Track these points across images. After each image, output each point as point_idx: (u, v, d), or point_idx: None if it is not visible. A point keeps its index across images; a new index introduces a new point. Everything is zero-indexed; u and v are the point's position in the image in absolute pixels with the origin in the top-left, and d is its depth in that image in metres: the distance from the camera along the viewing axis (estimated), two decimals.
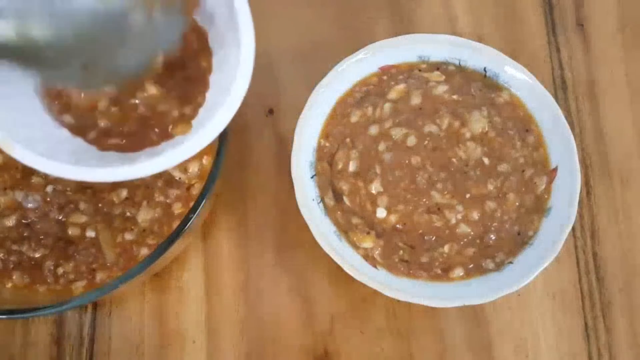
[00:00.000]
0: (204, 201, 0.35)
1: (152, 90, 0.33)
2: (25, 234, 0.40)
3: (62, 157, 0.32)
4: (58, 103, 0.33)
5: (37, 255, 0.39)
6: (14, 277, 0.39)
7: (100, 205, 0.40)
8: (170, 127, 0.34)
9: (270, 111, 0.47)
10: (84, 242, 0.40)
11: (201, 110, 0.34)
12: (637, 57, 0.49)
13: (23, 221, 0.40)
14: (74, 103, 0.33)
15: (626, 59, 0.49)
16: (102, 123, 0.34)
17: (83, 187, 0.40)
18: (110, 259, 0.39)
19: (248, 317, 0.43)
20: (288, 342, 0.42)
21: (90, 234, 0.40)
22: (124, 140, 0.34)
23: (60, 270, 0.39)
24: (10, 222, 0.40)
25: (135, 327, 0.43)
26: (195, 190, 0.40)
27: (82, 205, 0.40)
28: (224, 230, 0.45)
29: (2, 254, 0.39)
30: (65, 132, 0.34)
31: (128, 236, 0.40)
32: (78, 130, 0.34)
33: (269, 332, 0.43)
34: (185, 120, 0.34)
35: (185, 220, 0.34)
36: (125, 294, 0.43)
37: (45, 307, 0.33)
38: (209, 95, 0.35)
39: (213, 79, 0.35)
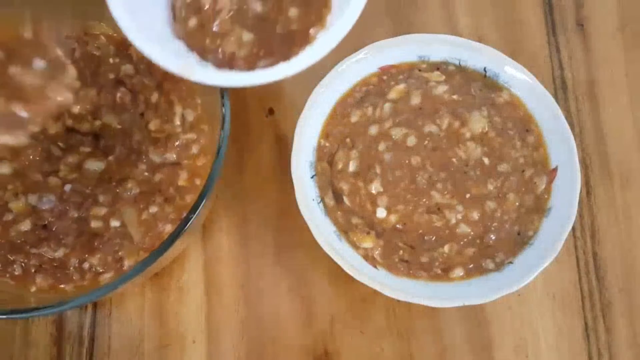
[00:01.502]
0: (204, 201, 0.35)
1: (293, 12, 0.34)
2: (42, 236, 0.39)
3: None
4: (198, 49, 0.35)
5: (58, 255, 0.39)
6: (37, 281, 0.39)
7: (118, 192, 0.40)
8: (310, 31, 0.35)
9: (270, 111, 0.47)
10: (109, 233, 0.39)
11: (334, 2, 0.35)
12: (637, 57, 0.49)
13: (40, 223, 0.40)
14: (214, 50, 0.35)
15: (626, 59, 0.49)
16: (242, 53, 0.35)
17: (102, 181, 0.40)
18: (136, 238, 0.39)
19: (248, 317, 0.43)
20: (288, 342, 0.42)
21: (115, 223, 0.40)
22: (266, 60, 0.35)
23: (86, 265, 0.39)
24: (25, 226, 0.39)
25: (135, 327, 0.43)
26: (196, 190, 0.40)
27: (101, 198, 0.40)
28: (224, 230, 0.45)
29: (21, 259, 0.39)
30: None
31: (153, 209, 0.40)
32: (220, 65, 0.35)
33: (269, 332, 0.43)
34: (323, 20, 0.35)
35: (185, 220, 0.34)
36: (125, 294, 0.43)
37: (45, 307, 0.33)
38: None
39: None
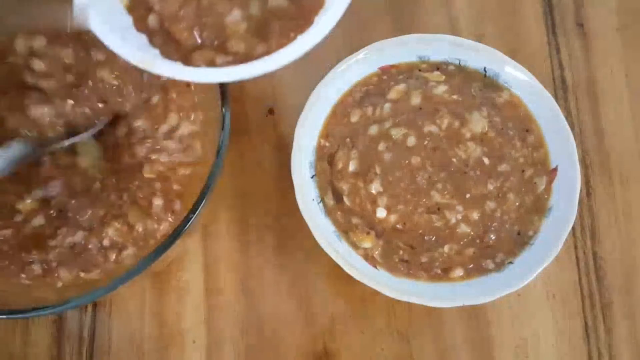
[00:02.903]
0: (204, 201, 0.35)
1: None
2: (57, 225, 0.38)
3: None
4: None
5: (77, 239, 0.38)
6: (61, 275, 0.37)
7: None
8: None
9: (270, 111, 0.47)
10: (121, 202, 0.39)
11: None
12: (637, 57, 0.49)
13: (52, 214, 0.38)
14: None
15: (626, 59, 0.49)
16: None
17: (110, 173, 0.40)
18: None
19: (248, 317, 0.43)
20: (288, 342, 0.42)
21: (125, 197, 0.39)
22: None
23: (106, 242, 0.38)
24: (39, 221, 0.38)
25: (135, 327, 0.43)
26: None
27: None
28: (224, 230, 0.45)
29: (40, 256, 0.37)
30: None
31: (157, 201, 0.39)
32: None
33: (268, 332, 0.43)
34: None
35: (186, 220, 0.34)
36: (125, 294, 0.43)
37: (45, 307, 0.33)
38: None
39: None
